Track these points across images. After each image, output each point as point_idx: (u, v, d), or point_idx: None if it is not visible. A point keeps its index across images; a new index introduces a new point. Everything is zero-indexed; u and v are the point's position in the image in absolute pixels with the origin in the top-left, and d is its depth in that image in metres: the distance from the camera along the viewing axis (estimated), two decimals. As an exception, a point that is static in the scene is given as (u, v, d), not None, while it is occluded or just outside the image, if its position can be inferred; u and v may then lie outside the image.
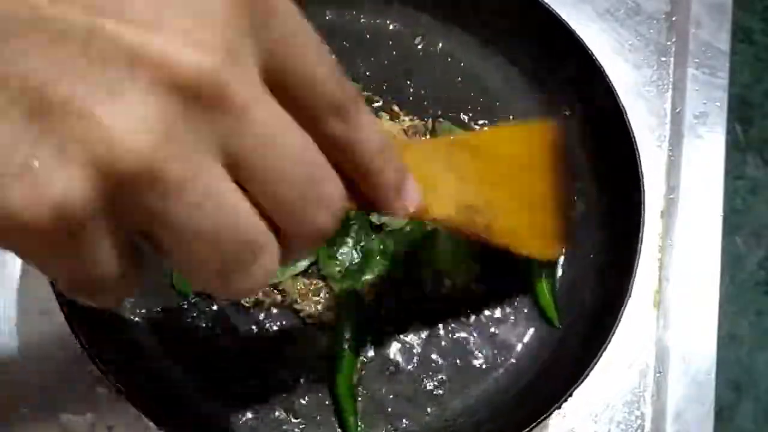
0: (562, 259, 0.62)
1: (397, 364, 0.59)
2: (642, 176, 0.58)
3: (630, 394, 0.63)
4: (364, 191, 0.33)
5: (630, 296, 0.55)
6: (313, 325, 0.60)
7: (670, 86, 0.72)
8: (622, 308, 0.55)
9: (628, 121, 0.59)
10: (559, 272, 0.62)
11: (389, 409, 0.58)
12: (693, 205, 0.68)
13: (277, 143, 0.25)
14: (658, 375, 0.64)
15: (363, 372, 0.59)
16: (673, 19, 0.74)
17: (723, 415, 0.66)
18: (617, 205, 0.60)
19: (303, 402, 0.58)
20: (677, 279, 0.66)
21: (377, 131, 0.31)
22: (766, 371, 0.69)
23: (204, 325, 0.59)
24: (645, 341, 0.65)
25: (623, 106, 0.60)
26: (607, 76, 0.61)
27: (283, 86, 0.26)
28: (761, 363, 0.69)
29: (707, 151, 0.70)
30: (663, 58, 0.73)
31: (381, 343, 0.60)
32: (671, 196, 0.68)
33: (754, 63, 0.78)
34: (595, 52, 0.71)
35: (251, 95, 0.24)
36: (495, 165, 0.54)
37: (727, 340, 0.68)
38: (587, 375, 0.53)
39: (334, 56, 0.29)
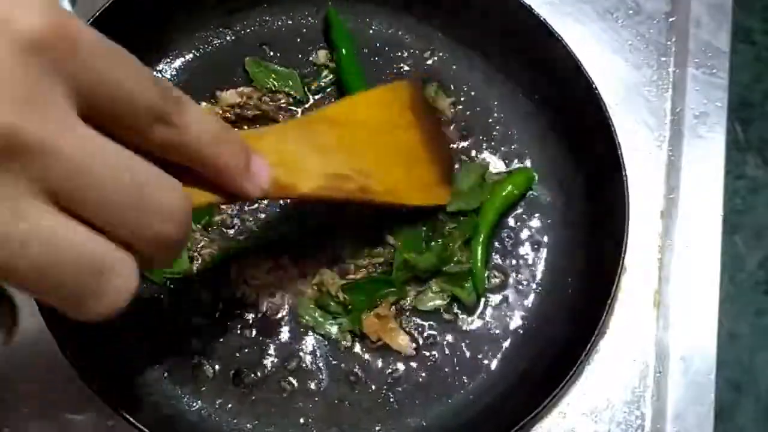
0: (534, 300, 0.62)
1: (360, 374, 0.60)
2: (628, 217, 0.58)
3: (630, 394, 0.63)
4: (213, 182, 0.36)
5: (596, 339, 0.55)
6: (271, 319, 0.60)
7: (670, 86, 0.72)
8: (586, 350, 0.55)
9: (623, 161, 0.59)
10: (534, 305, 0.62)
11: (343, 418, 0.59)
12: (693, 205, 0.68)
13: (90, 169, 0.27)
14: (658, 375, 0.64)
15: (325, 377, 0.59)
16: (673, 19, 0.74)
17: (723, 415, 0.66)
18: (600, 246, 0.61)
19: (259, 395, 0.59)
20: (677, 279, 0.66)
21: (207, 123, 0.34)
22: (766, 371, 0.69)
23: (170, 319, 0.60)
24: (645, 341, 0.64)
25: (622, 158, 0.59)
26: (612, 125, 0.60)
27: (100, 109, 0.28)
28: (761, 363, 0.69)
29: (707, 151, 0.70)
30: (663, 58, 0.73)
31: (349, 352, 0.60)
32: (671, 196, 0.68)
33: (754, 63, 0.78)
34: (595, 52, 0.72)
35: (54, 132, 0.26)
36: (358, 131, 0.56)
37: (727, 340, 0.68)
38: (542, 408, 0.54)
39: (142, 65, 0.31)
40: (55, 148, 0.26)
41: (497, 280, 0.63)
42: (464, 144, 0.66)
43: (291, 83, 0.66)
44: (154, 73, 0.65)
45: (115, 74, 0.29)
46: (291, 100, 0.65)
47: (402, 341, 0.60)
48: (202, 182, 0.36)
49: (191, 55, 0.66)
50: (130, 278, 0.29)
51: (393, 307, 0.61)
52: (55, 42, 0.26)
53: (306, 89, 0.66)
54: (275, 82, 0.65)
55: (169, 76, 0.66)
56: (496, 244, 0.64)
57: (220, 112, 0.64)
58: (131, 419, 0.52)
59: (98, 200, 0.27)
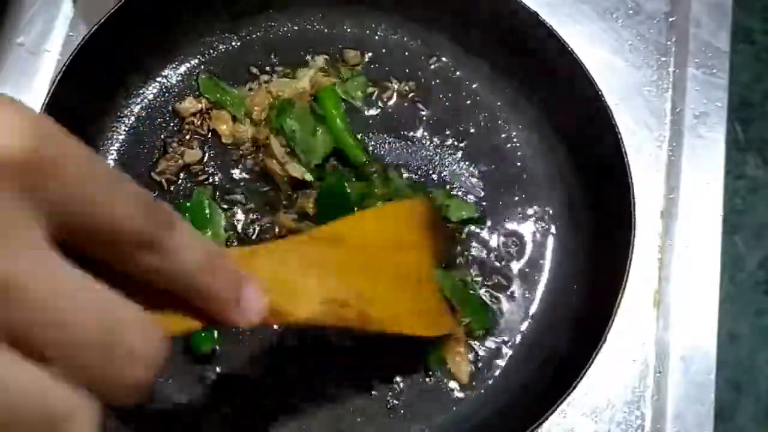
0: (539, 307, 0.62)
1: (364, 381, 0.59)
2: (634, 227, 0.57)
3: (630, 394, 0.63)
4: (202, 309, 0.32)
5: (600, 349, 0.54)
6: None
7: (670, 86, 0.72)
8: (588, 364, 0.54)
9: (631, 180, 0.58)
10: (538, 313, 0.62)
11: (346, 425, 0.58)
12: (693, 205, 0.68)
13: (57, 311, 0.24)
14: (658, 375, 0.64)
15: (329, 384, 0.59)
16: (673, 19, 0.74)
17: (723, 415, 0.66)
18: (605, 259, 0.60)
19: (262, 401, 0.58)
20: (677, 279, 0.66)
21: (199, 249, 0.30)
22: (766, 371, 0.69)
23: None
24: (645, 341, 0.64)
25: (628, 163, 0.59)
26: (615, 121, 0.59)
27: (77, 236, 0.26)
28: (761, 363, 0.69)
29: (707, 151, 0.70)
30: (663, 58, 0.73)
31: (353, 359, 0.60)
32: (671, 196, 0.68)
33: (754, 63, 0.78)
34: (595, 52, 0.72)
35: (22, 269, 0.23)
36: (363, 251, 0.52)
37: (727, 340, 0.68)
38: (545, 419, 0.53)
39: (133, 185, 0.28)
40: (20, 286, 0.23)
41: (502, 288, 0.63)
42: (467, 148, 0.66)
43: (234, 102, 0.65)
44: (160, 78, 0.66)
45: (98, 199, 0.26)
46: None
47: (462, 369, 0.59)
48: (185, 306, 0.32)
49: (197, 60, 0.66)
50: (87, 425, 0.26)
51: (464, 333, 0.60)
52: (32, 168, 0.24)
53: (246, 114, 0.65)
54: (222, 98, 0.65)
55: (174, 81, 0.66)
56: (502, 251, 0.63)
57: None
58: (131, 425, 0.52)
59: (61, 343, 0.25)
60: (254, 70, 0.67)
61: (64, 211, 0.25)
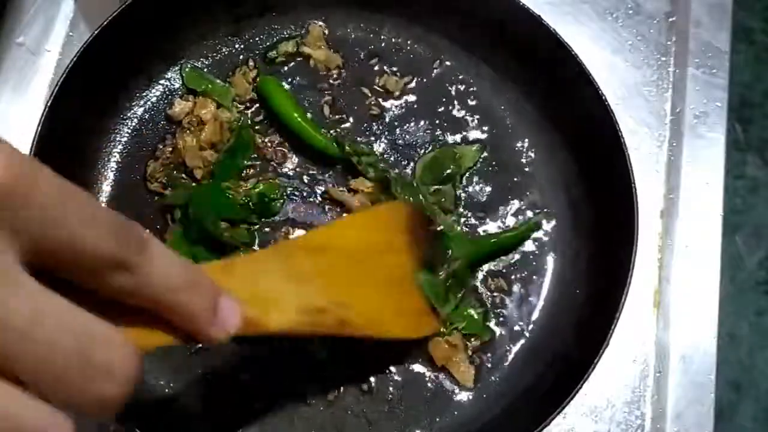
0: (541, 311, 0.62)
1: (366, 386, 0.59)
2: (637, 231, 0.57)
3: (630, 394, 0.63)
4: (176, 326, 0.33)
5: (602, 354, 0.54)
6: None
7: (670, 86, 0.72)
8: (594, 365, 0.54)
9: (632, 180, 0.58)
10: (540, 317, 0.62)
11: (347, 426, 0.58)
12: (693, 205, 0.68)
13: (30, 335, 0.25)
14: (658, 375, 0.64)
15: (330, 388, 0.59)
16: (673, 19, 0.74)
17: (723, 415, 0.66)
18: (607, 261, 0.60)
19: (265, 404, 0.58)
20: (677, 279, 0.66)
21: (173, 268, 0.31)
22: (766, 371, 0.69)
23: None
24: (645, 341, 0.65)
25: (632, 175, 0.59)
26: (615, 122, 0.59)
27: (50, 259, 0.27)
28: (761, 363, 0.69)
29: (707, 151, 0.70)
30: (663, 58, 0.73)
31: (363, 361, 0.60)
32: (671, 196, 0.68)
33: (754, 63, 0.78)
34: (595, 52, 0.72)
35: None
36: (342, 258, 0.52)
37: (727, 340, 0.68)
38: (548, 423, 0.53)
39: (102, 209, 0.29)
40: (1, 305, 0.24)
41: (504, 291, 0.62)
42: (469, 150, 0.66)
43: (221, 95, 0.65)
44: (163, 81, 0.65)
45: (68, 225, 0.27)
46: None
47: (466, 374, 0.60)
48: (159, 322, 0.32)
49: (200, 63, 0.66)
50: None
51: (463, 339, 0.60)
52: (7, 196, 0.25)
53: (234, 105, 0.65)
54: (206, 88, 0.65)
55: (177, 85, 0.66)
56: (503, 256, 0.63)
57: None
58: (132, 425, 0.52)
59: (36, 365, 0.25)
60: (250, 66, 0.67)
61: (35, 236, 0.26)
